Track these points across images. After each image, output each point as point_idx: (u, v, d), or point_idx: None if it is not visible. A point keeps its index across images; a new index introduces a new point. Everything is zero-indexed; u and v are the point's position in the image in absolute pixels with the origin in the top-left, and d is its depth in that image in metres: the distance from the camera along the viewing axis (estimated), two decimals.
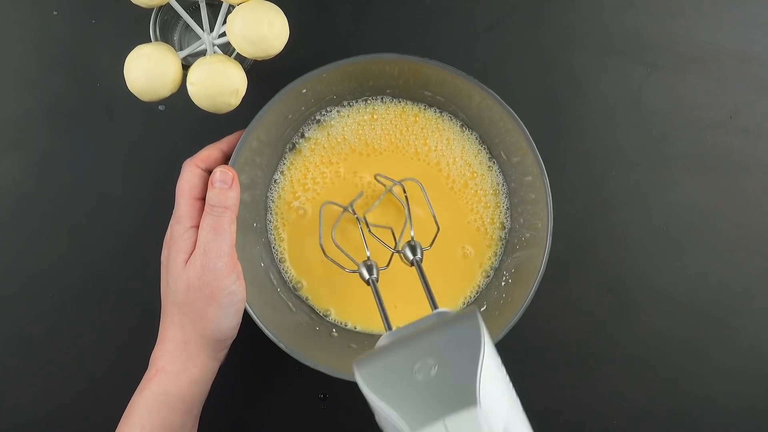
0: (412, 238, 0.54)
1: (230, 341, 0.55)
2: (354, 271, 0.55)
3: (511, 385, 0.43)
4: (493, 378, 0.41)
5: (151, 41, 0.58)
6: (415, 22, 0.65)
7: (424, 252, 0.54)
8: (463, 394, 0.40)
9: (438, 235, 0.57)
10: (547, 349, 0.65)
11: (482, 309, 0.61)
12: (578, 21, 0.65)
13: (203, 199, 0.54)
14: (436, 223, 0.58)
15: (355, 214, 0.59)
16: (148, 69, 0.53)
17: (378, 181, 0.60)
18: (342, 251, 0.57)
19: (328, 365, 0.57)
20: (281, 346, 0.56)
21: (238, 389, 0.65)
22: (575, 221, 0.64)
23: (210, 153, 0.55)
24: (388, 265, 0.58)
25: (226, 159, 0.56)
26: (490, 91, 0.56)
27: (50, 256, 0.65)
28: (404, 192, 0.59)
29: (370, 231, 0.58)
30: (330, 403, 0.65)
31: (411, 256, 0.53)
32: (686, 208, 0.65)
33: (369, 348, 0.62)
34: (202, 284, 0.51)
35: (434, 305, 0.49)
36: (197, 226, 0.53)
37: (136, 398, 0.52)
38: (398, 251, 0.55)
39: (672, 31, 0.65)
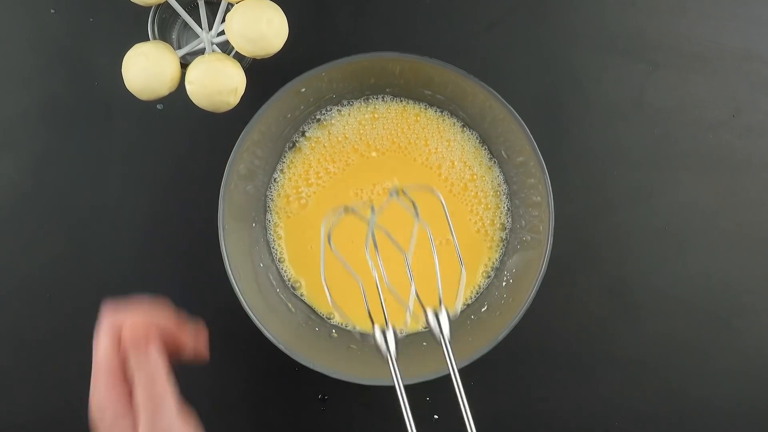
0: (441, 302, 0.43)
1: None
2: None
3: None
4: None
5: (149, 39, 0.58)
6: (416, 21, 0.65)
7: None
8: None
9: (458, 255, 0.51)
10: (548, 349, 0.65)
11: (483, 309, 0.61)
12: (579, 20, 0.65)
13: (122, 377, 0.46)
14: (455, 244, 0.51)
15: (376, 249, 0.49)
16: (146, 68, 0.53)
17: (395, 193, 0.52)
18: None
19: (328, 366, 0.57)
20: (280, 346, 0.56)
21: (236, 390, 0.64)
22: (576, 221, 0.64)
23: (134, 323, 0.46)
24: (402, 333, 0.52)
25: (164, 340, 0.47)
26: (491, 90, 0.56)
27: (47, 257, 0.65)
28: (424, 226, 0.50)
29: (385, 284, 0.47)
30: (330, 404, 0.65)
31: (438, 333, 0.42)
32: (688, 207, 0.65)
33: (369, 350, 0.62)
34: None
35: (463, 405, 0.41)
36: (128, 406, 0.45)
37: None
38: (416, 315, 0.45)
39: (674, 29, 0.65)
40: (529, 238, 0.60)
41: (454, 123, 0.62)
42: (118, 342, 0.46)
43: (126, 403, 0.45)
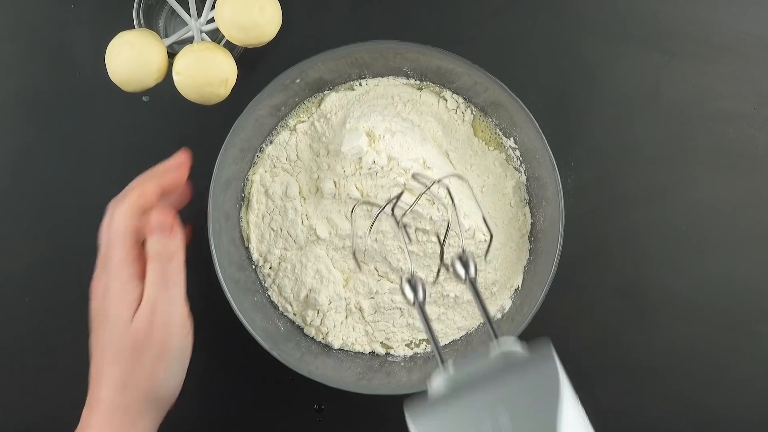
0: (464, 250, 0.48)
1: (173, 401, 0.53)
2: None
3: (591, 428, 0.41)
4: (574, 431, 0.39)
5: (134, 27, 0.58)
6: (417, 7, 0.65)
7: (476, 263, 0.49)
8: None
9: (491, 242, 0.54)
10: (559, 355, 0.65)
11: (497, 318, 0.61)
12: (591, 6, 0.65)
13: (141, 242, 0.51)
14: (489, 228, 0.54)
15: (393, 215, 0.54)
16: (131, 57, 0.53)
17: (416, 180, 0.56)
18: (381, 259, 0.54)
19: (324, 374, 0.57)
20: (273, 353, 0.57)
21: (229, 401, 0.65)
22: (588, 221, 0.65)
23: (143, 191, 0.52)
24: (436, 280, 0.55)
25: (164, 192, 0.53)
26: (498, 81, 0.56)
27: (26, 259, 0.65)
28: (449, 193, 0.54)
29: (408, 238, 0.53)
30: (326, 415, 0.65)
31: (463, 273, 0.47)
32: (707, 206, 0.65)
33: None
34: (151, 341, 0.50)
35: (495, 335, 0.45)
36: (139, 276, 0.51)
37: None
38: (446, 266, 0.50)
39: (691, 16, 0.65)
40: (538, 237, 0.60)
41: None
42: (137, 212, 0.51)
43: (140, 269, 0.50)
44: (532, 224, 0.61)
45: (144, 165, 0.64)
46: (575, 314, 0.65)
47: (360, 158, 0.57)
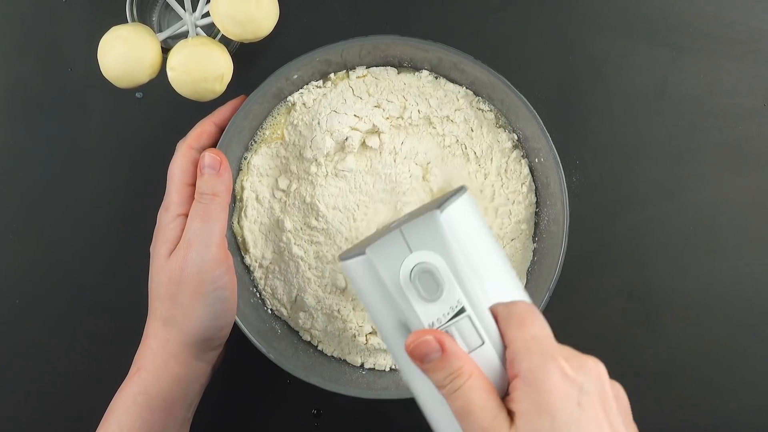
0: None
1: (219, 342, 0.55)
2: None
3: (501, 248, 0.44)
4: (469, 214, 0.42)
5: (127, 22, 0.58)
6: (418, 1, 0.65)
7: None
8: (427, 215, 0.41)
9: None
10: None
11: None
12: (597, 0, 0.65)
13: (194, 184, 0.54)
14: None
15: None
16: (124, 53, 0.53)
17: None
18: None
19: (322, 378, 0.57)
20: (270, 357, 0.57)
21: (225, 405, 0.65)
22: (594, 220, 0.65)
23: (203, 130, 0.56)
24: None
25: (221, 132, 0.57)
26: (501, 77, 0.56)
27: (16, 260, 0.65)
28: None
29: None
30: (324, 419, 0.65)
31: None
32: (716, 205, 0.65)
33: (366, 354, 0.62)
34: (185, 277, 0.52)
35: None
36: (185, 215, 0.54)
37: (115, 399, 0.53)
38: None
39: (700, 10, 0.65)
40: (542, 237, 0.60)
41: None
42: (195, 153, 0.54)
43: (187, 207, 0.54)
44: (535, 224, 0.61)
45: (137, 163, 0.65)
46: (580, 316, 0.65)
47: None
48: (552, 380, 0.37)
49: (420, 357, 0.40)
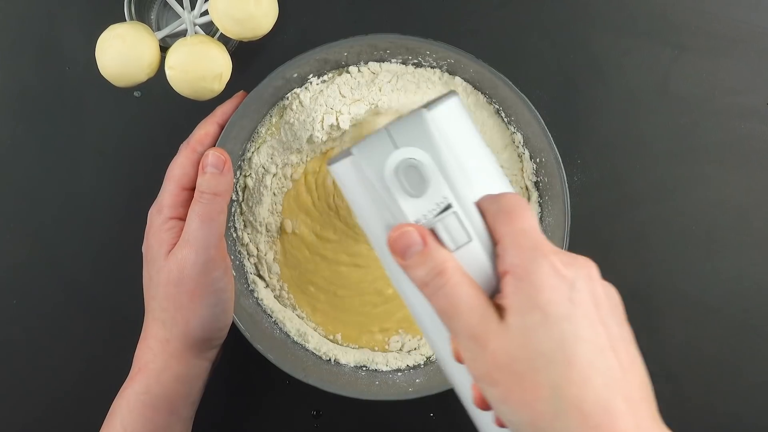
0: None
1: (219, 341, 0.55)
2: None
3: (490, 151, 0.43)
4: (458, 115, 0.42)
5: (125, 20, 0.58)
6: None
7: None
8: (413, 114, 0.41)
9: None
10: None
11: None
12: None
13: (192, 189, 0.54)
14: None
15: None
16: (122, 51, 0.53)
17: None
18: None
19: (321, 379, 0.57)
20: (269, 357, 0.57)
21: (223, 406, 0.65)
22: (594, 219, 0.65)
23: (206, 132, 0.55)
24: None
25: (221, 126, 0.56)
26: (501, 75, 0.56)
27: (13, 259, 0.65)
28: None
29: None
30: (323, 420, 0.65)
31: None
32: (718, 204, 0.65)
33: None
34: (184, 278, 0.52)
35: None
36: (179, 218, 0.53)
37: (118, 399, 0.53)
38: None
39: (702, 8, 0.65)
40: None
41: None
42: (195, 157, 0.54)
43: (184, 212, 0.53)
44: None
45: (135, 163, 0.64)
46: None
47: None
48: (543, 275, 0.37)
49: (401, 251, 0.39)
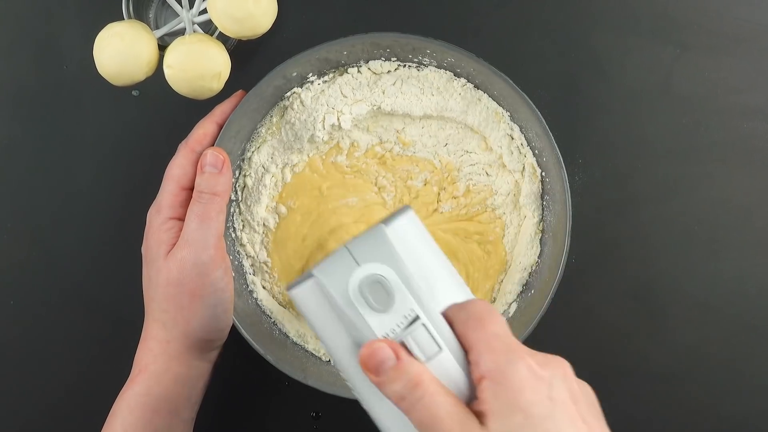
0: None
1: (220, 342, 0.55)
2: None
3: (449, 263, 0.43)
4: (414, 229, 0.42)
5: (123, 19, 0.58)
6: None
7: None
8: (372, 230, 0.41)
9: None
10: (567, 360, 0.65)
11: None
12: None
13: (191, 189, 0.54)
14: None
15: None
16: (120, 50, 0.53)
17: None
18: None
19: (321, 380, 0.57)
20: (269, 358, 0.57)
21: (223, 407, 0.65)
22: (596, 220, 0.64)
23: (205, 132, 0.55)
24: None
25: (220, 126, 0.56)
26: (503, 75, 0.56)
27: (11, 259, 0.65)
28: None
29: None
30: (323, 422, 0.65)
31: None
32: (721, 204, 0.65)
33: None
34: (183, 279, 0.52)
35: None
36: (178, 218, 0.53)
37: (118, 401, 0.53)
38: None
39: (705, 6, 0.65)
40: (545, 237, 0.60)
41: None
42: (194, 157, 0.54)
43: (183, 212, 0.53)
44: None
45: (133, 162, 0.64)
46: (583, 317, 0.65)
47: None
48: (522, 377, 0.37)
49: (374, 367, 0.39)
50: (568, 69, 0.65)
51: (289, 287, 0.42)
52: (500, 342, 0.38)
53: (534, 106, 0.56)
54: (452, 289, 0.42)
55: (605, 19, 0.65)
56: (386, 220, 0.42)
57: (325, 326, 0.41)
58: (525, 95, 0.56)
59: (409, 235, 0.42)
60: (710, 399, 0.65)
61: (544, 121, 0.56)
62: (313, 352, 0.61)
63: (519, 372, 0.37)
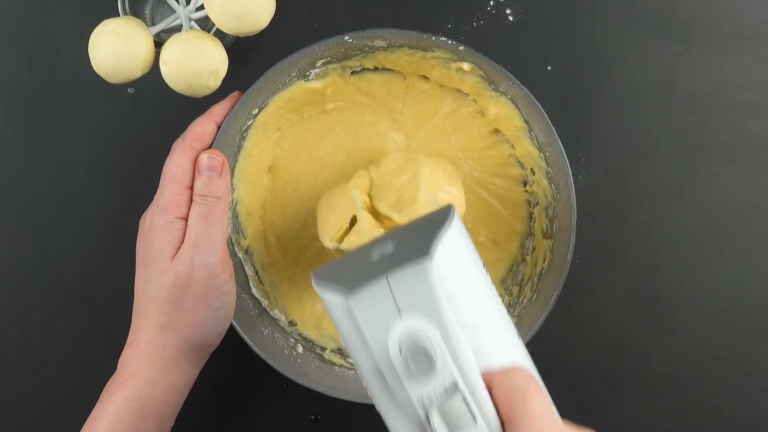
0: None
1: (213, 348, 0.55)
2: None
3: (493, 286, 0.41)
4: (460, 250, 0.39)
5: (119, 15, 0.58)
6: None
7: None
8: (416, 251, 0.38)
9: None
10: (568, 364, 0.65)
11: None
12: None
13: (191, 185, 0.54)
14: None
15: None
16: (116, 47, 0.53)
17: None
18: None
19: (320, 383, 0.57)
20: (271, 363, 0.56)
21: (222, 410, 0.65)
22: (600, 219, 0.64)
23: (203, 129, 0.55)
24: None
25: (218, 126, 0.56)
26: (505, 71, 0.56)
27: (5, 260, 0.65)
28: None
29: None
30: (322, 425, 0.65)
31: None
32: (726, 204, 0.65)
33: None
34: (191, 281, 0.51)
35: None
36: (184, 218, 0.53)
37: (104, 404, 0.52)
38: None
39: (710, 3, 0.65)
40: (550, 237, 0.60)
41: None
42: (193, 154, 0.54)
43: (187, 211, 0.53)
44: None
45: (129, 161, 0.64)
46: (587, 318, 0.65)
47: None
48: None
49: None
50: (571, 66, 0.65)
51: (318, 278, 0.40)
52: (543, 424, 0.37)
53: (537, 103, 0.56)
54: (498, 339, 0.40)
55: (609, 15, 0.65)
56: (430, 243, 0.38)
57: (355, 344, 0.39)
58: (528, 92, 0.56)
59: (455, 262, 0.39)
60: (715, 400, 0.65)
61: (547, 117, 0.56)
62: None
63: None
